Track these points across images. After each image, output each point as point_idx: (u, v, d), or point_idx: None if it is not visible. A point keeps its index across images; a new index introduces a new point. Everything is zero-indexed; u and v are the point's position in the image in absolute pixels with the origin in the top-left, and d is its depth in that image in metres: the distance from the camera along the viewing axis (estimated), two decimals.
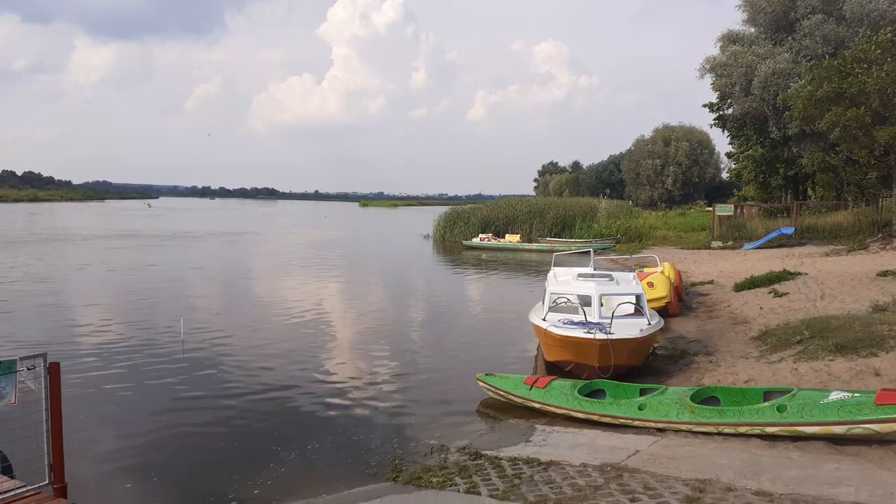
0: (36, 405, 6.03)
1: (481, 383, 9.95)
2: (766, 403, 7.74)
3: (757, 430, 7.50)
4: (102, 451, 8.10)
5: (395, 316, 17.93)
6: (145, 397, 10.28)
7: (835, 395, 7.50)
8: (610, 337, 10.19)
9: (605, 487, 6.17)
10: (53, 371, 6.02)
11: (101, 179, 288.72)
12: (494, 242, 40.56)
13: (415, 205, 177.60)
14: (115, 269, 27.57)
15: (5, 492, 5.52)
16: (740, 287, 17.76)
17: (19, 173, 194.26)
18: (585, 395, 8.96)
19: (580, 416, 8.63)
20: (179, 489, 7.06)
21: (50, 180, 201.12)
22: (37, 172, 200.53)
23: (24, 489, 5.53)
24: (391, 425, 9.03)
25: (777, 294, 15.67)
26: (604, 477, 6.45)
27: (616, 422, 8.32)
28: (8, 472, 6.19)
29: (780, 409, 7.51)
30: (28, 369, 6.06)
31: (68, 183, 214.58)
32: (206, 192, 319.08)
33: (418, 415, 9.50)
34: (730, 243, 32.36)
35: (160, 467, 7.63)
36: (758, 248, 29.36)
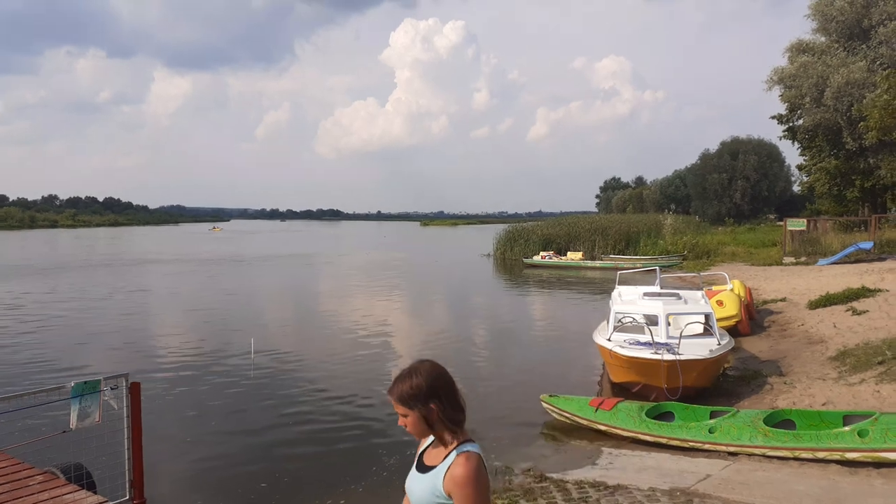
0: (117, 423, 6.34)
1: (545, 405, 9.87)
2: (846, 428, 7.41)
3: (836, 456, 7.18)
4: (179, 468, 8.40)
5: (456, 336, 17.97)
6: (219, 416, 10.61)
7: None
8: (678, 358, 9.97)
9: None
10: (134, 390, 6.31)
11: (175, 204, 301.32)
12: (556, 260, 40.19)
13: (475, 223, 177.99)
14: (179, 293, 28.61)
15: None
16: (815, 304, 17.07)
17: (101, 199, 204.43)
18: (653, 418, 8.77)
19: (648, 438, 8.45)
20: None
21: (129, 205, 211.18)
22: (116, 198, 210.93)
23: (107, 503, 5.79)
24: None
25: (855, 312, 14.99)
26: (673, 502, 6.30)
27: (685, 445, 8.12)
28: (91, 487, 6.50)
29: (862, 433, 7.18)
30: (111, 389, 6.38)
31: (145, 208, 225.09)
32: (274, 215, 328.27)
33: (482, 436, 9.46)
34: (803, 259, 31.15)
35: (233, 484, 7.86)
36: (833, 263, 28.16)
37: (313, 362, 14.28)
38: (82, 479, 6.65)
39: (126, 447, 6.13)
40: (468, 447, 2.43)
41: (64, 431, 6.19)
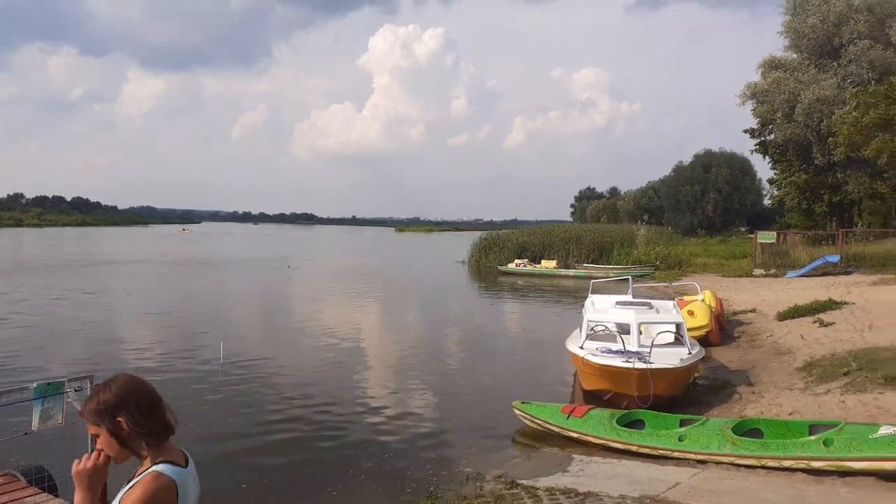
0: (81, 426, 6.18)
1: (517, 411, 9.88)
2: (812, 437, 7.52)
3: (802, 465, 7.28)
4: None
5: (430, 342, 17.93)
6: (186, 421, 10.39)
7: (885, 430, 7.24)
8: (649, 366, 10.05)
9: None
10: None
11: (145, 205, 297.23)
12: (530, 268, 40.36)
13: (450, 230, 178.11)
14: (145, 295, 28.19)
15: None
16: (784, 316, 17.35)
17: (69, 198, 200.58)
18: (624, 425, 8.82)
19: (618, 446, 8.49)
20: None
21: (97, 205, 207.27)
22: (85, 198, 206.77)
23: None
24: (426, 453, 9.00)
25: (822, 324, 15.27)
26: None
27: (655, 452, 8.17)
28: (53, 490, 6.35)
29: (827, 443, 7.29)
30: (75, 391, 6.23)
31: (114, 208, 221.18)
32: (246, 218, 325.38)
33: (453, 442, 9.45)
34: (772, 271, 31.67)
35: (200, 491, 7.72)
36: (802, 276, 28.68)
37: (283, 368, 14.13)
38: (44, 481, 6.50)
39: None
40: (162, 467, 2.18)
41: (25, 433, 6.03)
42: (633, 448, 8.38)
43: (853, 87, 39.56)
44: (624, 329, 11.48)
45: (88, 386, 6.20)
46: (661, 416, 9.10)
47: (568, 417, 9.20)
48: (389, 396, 12.05)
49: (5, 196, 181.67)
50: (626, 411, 9.35)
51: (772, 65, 46.57)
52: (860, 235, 37.07)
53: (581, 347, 11.38)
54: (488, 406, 11.34)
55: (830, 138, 39.04)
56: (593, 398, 10.86)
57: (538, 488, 7.16)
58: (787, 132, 43.93)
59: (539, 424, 9.52)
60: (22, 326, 18.51)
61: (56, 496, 6.11)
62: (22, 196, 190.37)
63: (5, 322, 19.13)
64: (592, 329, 11.84)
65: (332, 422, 10.41)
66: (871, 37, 41.53)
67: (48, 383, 6.08)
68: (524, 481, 7.45)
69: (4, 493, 6.11)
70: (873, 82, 38.91)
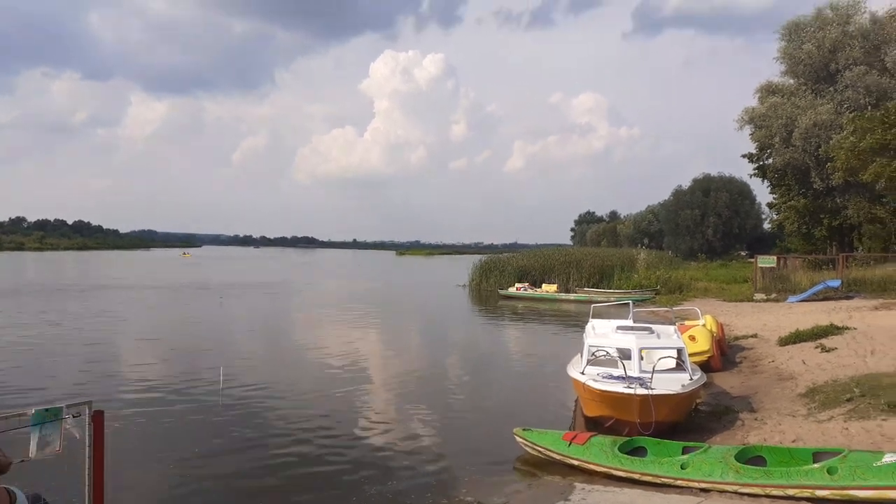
0: (79, 452, 6.13)
1: (518, 438, 9.79)
2: (815, 465, 7.45)
3: (807, 493, 7.20)
4: (143, 499, 8.15)
5: (430, 368, 17.85)
6: (186, 444, 10.36)
7: (888, 458, 7.18)
8: (651, 392, 9.99)
9: None
10: (97, 419, 6.10)
11: (147, 228, 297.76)
12: (531, 292, 40.32)
13: (450, 253, 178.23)
14: (144, 320, 28.13)
15: None
16: (785, 341, 17.28)
17: (70, 222, 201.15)
18: (626, 453, 8.74)
19: (621, 474, 8.41)
20: None
21: (98, 229, 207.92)
22: (86, 221, 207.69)
23: None
24: (426, 479, 8.91)
25: (824, 349, 15.20)
26: None
27: (658, 480, 8.08)
28: None
29: (831, 471, 7.22)
30: (73, 416, 6.19)
31: (115, 231, 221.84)
32: (247, 241, 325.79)
33: (454, 469, 9.36)
34: (773, 296, 31.63)
35: None
36: (803, 300, 28.63)
37: (283, 393, 14.05)
38: None
39: (87, 477, 5.91)
40: None
41: (22, 461, 5.97)
42: (636, 476, 8.30)
43: (850, 112, 39.85)
44: (625, 354, 11.43)
45: (87, 412, 6.14)
46: (664, 443, 9.02)
47: (569, 445, 9.12)
48: (390, 421, 11.97)
49: (7, 220, 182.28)
50: (628, 438, 9.27)
51: (769, 90, 46.98)
52: (861, 260, 37.09)
53: (582, 373, 11.31)
54: (489, 432, 11.25)
55: (828, 163, 39.24)
56: (595, 424, 10.78)
57: None
58: (785, 157, 44.17)
59: (540, 452, 9.43)
60: (21, 350, 18.45)
61: None
62: (24, 220, 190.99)
63: (4, 346, 19.06)
64: (593, 354, 11.78)
65: (333, 447, 10.33)
66: (867, 62, 41.96)
67: (46, 409, 6.04)
68: None
69: None
70: (870, 107, 39.24)
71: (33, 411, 5.85)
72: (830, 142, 39.10)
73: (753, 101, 47.91)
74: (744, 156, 50.94)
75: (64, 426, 6.04)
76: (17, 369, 15.94)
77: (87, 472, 5.91)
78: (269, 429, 11.33)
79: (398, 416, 12.38)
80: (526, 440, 9.66)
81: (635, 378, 10.52)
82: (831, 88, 43.84)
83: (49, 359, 17.53)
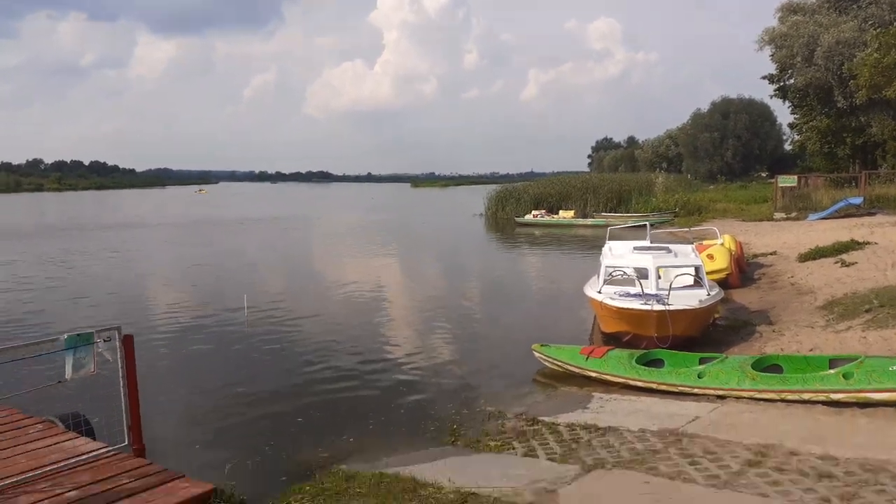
0: (113, 374, 6.36)
1: (537, 354, 9.99)
2: (831, 371, 7.56)
3: (822, 397, 7.33)
4: (175, 417, 8.49)
5: (450, 291, 18.07)
6: (214, 368, 10.72)
7: None
8: (668, 307, 10.07)
9: (664, 452, 6.16)
10: (128, 342, 6.32)
11: (162, 167, 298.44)
12: (548, 218, 40.20)
13: (465, 184, 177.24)
14: (166, 254, 28.55)
15: (89, 452, 5.86)
16: (805, 257, 17.23)
17: (86, 163, 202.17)
18: (643, 365, 8.90)
19: (638, 384, 8.58)
20: (248, 451, 7.31)
21: (115, 168, 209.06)
22: (102, 162, 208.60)
23: (106, 450, 5.86)
24: (449, 394, 9.16)
25: (844, 264, 15.15)
26: (663, 442, 6.44)
27: (675, 389, 8.25)
28: (90, 434, 6.57)
29: (847, 375, 7.32)
30: (104, 341, 6.40)
31: (132, 171, 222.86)
32: (262, 177, 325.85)
33: (475, 384, 9.61)
34: (793, 214, 31.31)
35: (229, 431, 7.97)
36: (823, 218, 28.33)
37: (306, 318, 14.34)
38: (81, 426, 6.72)
39: (122, 395, 6.15)
40: None
41: (60, 382, 6.22)
42: (653, 386, 8.47)
43: (874, 29, 38.49)
44: (642, 273, 11.46)
45: (116, 337, 6.35)
46: (681, 354, 9.16)
47: (587, 358, 9.30)
48: (412, 342, 12.23)
49: (24, 162, 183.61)
50: (646, 351, 9.42)
51: (790, 9, 45.40)
52: (884, 177, 36.43)
53: (599, 292, 11.41)
54: (508, 350, 11.46)
55: (852, 81, 38.18)
56: (612, 341, 10.93)
57: (559, 424, 7.30)
58: (807, 76, 43.01)
59: (559, 365, 9.63)
60: (50, 286, 18.90)
61: (94, 439, 6.33)
62: (41, 161, 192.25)
63: (34, 281, 19.53)
64: (610, 274, 11.83)
65: (356, 366, 10.60)
66: None
67: (77, 335, 6.25)
68: (545, 418, 7.60)
69: (44, 437, 6.34)
70: (894, 23, 37.87)
71: (65, 336, 6.07)
72: (854, 59, 37.97)
73: (774, 21, 46.30)
74: (764, 77, 49.60)
75: (96, 350, 6.27)
76: (50, 301, 16.39)
77: (122, 391, 6.15)
78: (293, 351, 11.64)
79: (420, 337, 12.63)
80: (544, 355, 9.85)
81: (652, 295, 10.59)
82: (854, 6, 42.33)
83: (79, 291, 17.94)
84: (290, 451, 7.23)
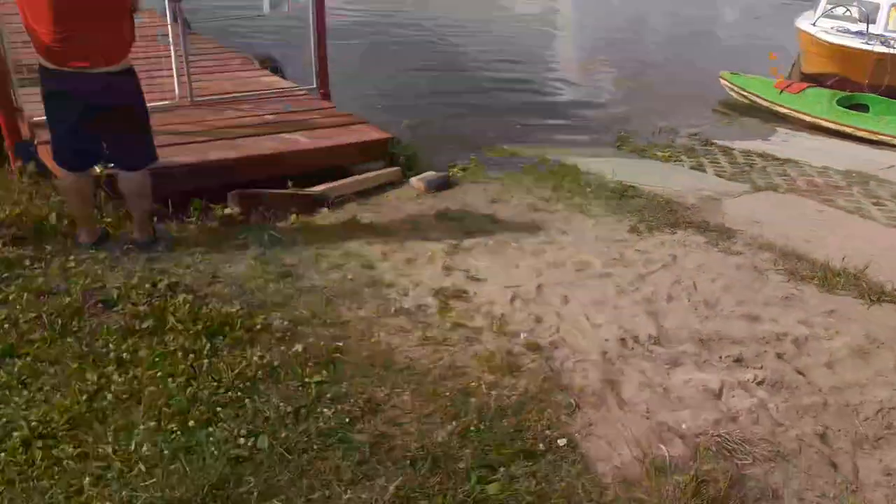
0: (302, 22, 6.49)
1: (724, 82, 9.26)
2: None
3: None
4: (358, 81, 8.77)
5: (630, 24, 16.47)
6: (392, 53, 10.87)
7: None
8: (892, 51, 8.77)
9: (846, 189, 5.76)
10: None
11: None
12: None
13: None
14: None
15: (284, 87, 6.36)
16: None
17: None
18: (845, 108, 8.02)
19: (833, 126, 7.83)
20: (423, 122, 7.43)
21: None
22: None
23: (298, 87, 6.31)
24: (621, 108, 8.92)
25: None
26: (846, 180, 6.00)
27: (874, 137, 7.47)
28: (281, 73, 7.11)
29: None
30: None
31: None
32: None
33: (650, 102, 9.19)
34: None
35: (406, 103, 8.19)
36: None
37: (475, 37, 13.52)
38: (275, 67, 7.28)
39: (312, 41, 6.31)
40: None
41: (258, 15, 6.58)
42: (848, 130, 7.69)
43: None
44: (872, 10, 9.83)
45: None
46: (891, 102, 8.10)
47: (781, 92, 8.51)
48: (590, 60, 11.68)
49: None
50: (850, 94, 8.42)
51: None
52: None
53: (813, 24, 10.04)
54: (691, 76, 10.71)
55: None
56: (813, 82, 9.85)
57: (734, 149, 6.97)
58: None
59: (746, 97, 8.94)
60: None
61: (284, 78, 6.82)
62: None
63: None
64: (831, 8, 10.26)
65: (526, 77, 10.26)
66: None
67: None
68: (719, 142, 7.26)
69: (243, 70, 6.92)
70: None
71: None
72: None
73: None
74: None
75: None
76: None
77: (312, 39, 6.28)
78: (480, 59, 11.33)
79: (600, 57, 11.98)
80: (732, 84, 9.14)
81: (877, 35, 9.19)
82: None
83: None
84: (460, 128, 7.44)
